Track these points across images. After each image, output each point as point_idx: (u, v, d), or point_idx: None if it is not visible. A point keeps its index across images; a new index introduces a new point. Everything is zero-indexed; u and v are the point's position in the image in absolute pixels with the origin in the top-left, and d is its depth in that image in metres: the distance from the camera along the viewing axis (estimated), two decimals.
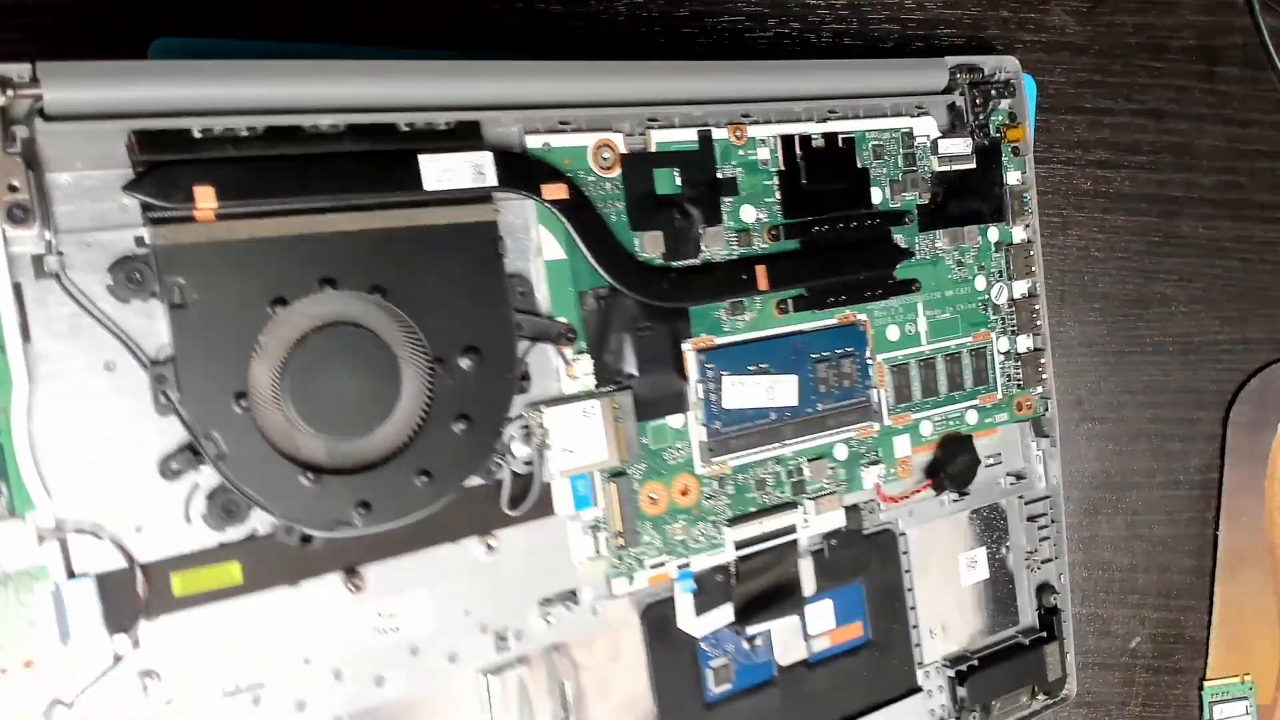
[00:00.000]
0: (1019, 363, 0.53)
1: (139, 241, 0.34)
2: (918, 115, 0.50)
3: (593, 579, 0.42)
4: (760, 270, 0.45)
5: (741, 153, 0.45)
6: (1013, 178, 0.52)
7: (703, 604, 0.44)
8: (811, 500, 0.47)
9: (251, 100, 0.35)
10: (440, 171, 0.38)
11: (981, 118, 0.51)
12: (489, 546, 0.39)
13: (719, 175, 0.44)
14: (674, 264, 0.43)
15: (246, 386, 0.34)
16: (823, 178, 0.47)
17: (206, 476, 0.34)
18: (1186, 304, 0.60)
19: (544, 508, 0.41)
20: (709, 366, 0.44)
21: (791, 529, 0.46)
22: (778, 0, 0.50)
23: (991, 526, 0.52)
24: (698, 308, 0.44)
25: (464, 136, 0.39)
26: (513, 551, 0.40)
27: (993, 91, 0.51)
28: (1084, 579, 0.60)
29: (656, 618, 0.43)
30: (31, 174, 0.32)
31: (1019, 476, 0.53)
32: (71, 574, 0.32)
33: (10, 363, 0.31)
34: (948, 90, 0.50)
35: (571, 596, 0.41)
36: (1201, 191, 0.60)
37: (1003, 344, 0.52)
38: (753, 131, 0.45)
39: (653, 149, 0.43)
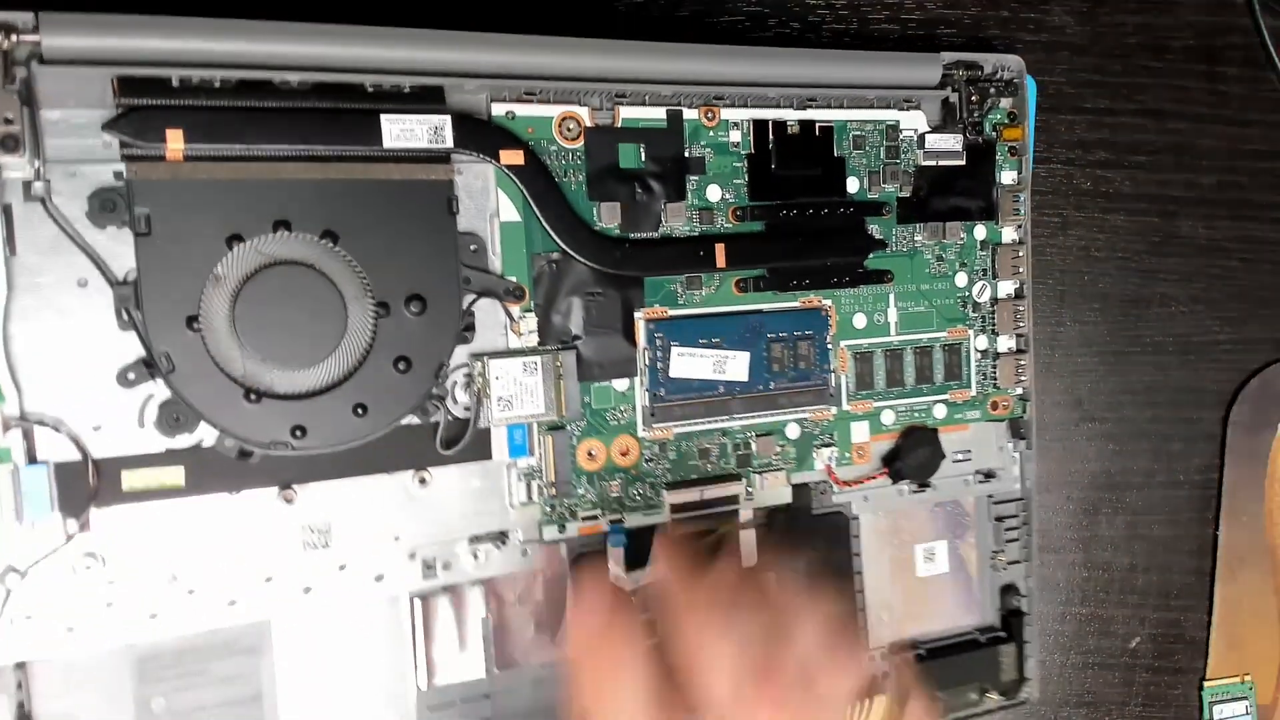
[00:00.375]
0: (996, 362, 0.53)
1: (117, 175, 0.38)
2: (906, 109, 0.50)
3: (524, 523, 0.44)
4: (720, 248, 0.47)
5: (712, 134, 0.47)
6: (1008, 177, 0.52)
7: (635, 560, 0.46)
8: (757, 474, 0.48)
9: (227, 55, 0.39)
10: (400, 131, 0.41)
11: (976, 115, 0.51)
12: (422, 481, 0.43)
13: (686, 154, 0.46)
14: (630, 235, 0.46)
15: (199, 312, 0.39)
16: (794, 163, 0.48)
17: (160, 388, 0.39)
18: (1186, 304, 0.59)
19: (482, 451, 0.44)
20: (658, 336, 0.46)
21: (734, 499, 0.48)
22: (778, 0, 0.52)
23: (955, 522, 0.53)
24: (653, 279, 0.46)
25: (427, 100, 0.42)
26: (447, 488, 0.43)
27: (991, 89, 0.51)
28: (1084, 579, 0.60)
29: (587, 566, 0.46)
30: (26, 110, 0.37)
31: (989, 475, 0.53)
32: (32, 460, 0.37)
33: None
34: (942, 86, 0.50)
35: (502, 537, 0.44)
36: (1201, 191, 0.59)
37: (981, 342, 0.52)
38: (726, 114, 0.47)
39: (619, 124, 0.45)
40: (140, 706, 0.39)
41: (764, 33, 0.51)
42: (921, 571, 0.52)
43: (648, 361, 0.46)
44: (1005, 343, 0.53)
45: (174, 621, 0.39)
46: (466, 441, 0.43)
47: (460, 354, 0.43)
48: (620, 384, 0.46)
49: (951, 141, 0.51)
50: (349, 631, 0.42)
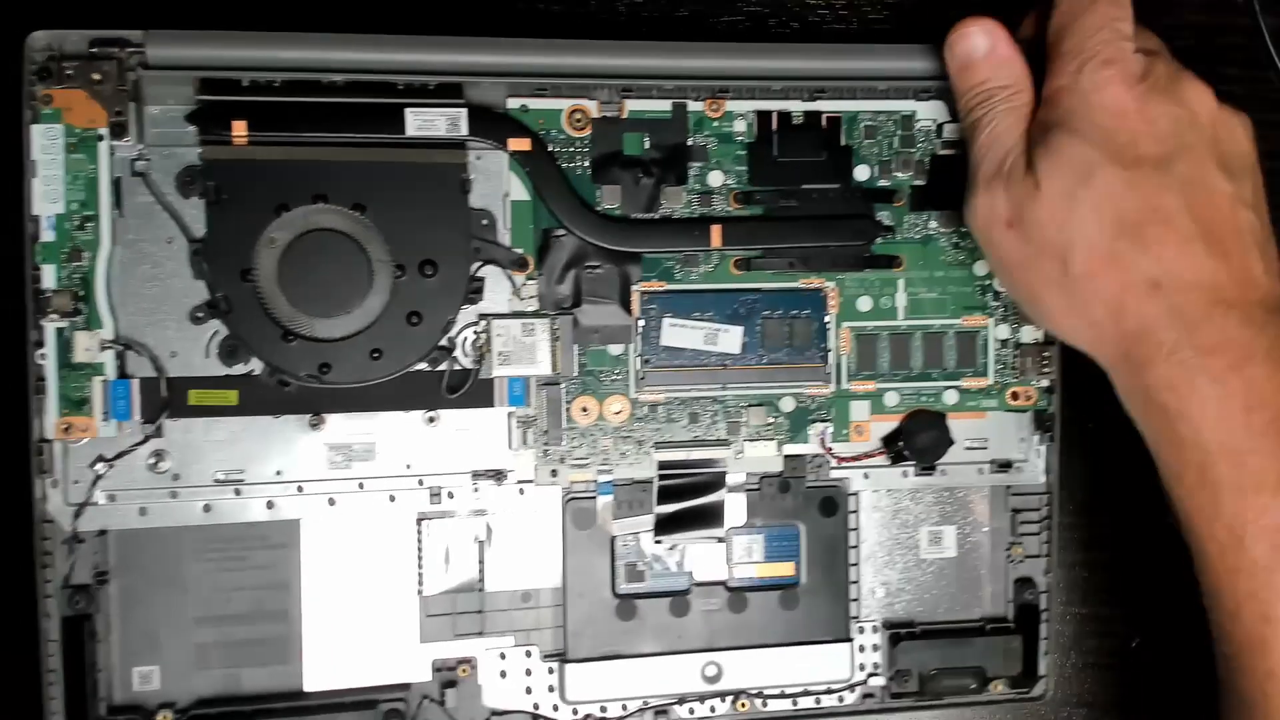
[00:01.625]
0: (1018, 352, 0.52)
1: (200, 156, 0.48)
2: (924, 99, 0.51)
3: (520, 466, 0.50)
4: (715, 229, 0.50)
5: (716, 124, 0.51)
6: None
7: (622, 510, 0.51)
8: (748, 442, 0.51)
9: (286, 60, 0.47)
10: (421, 121, 0.48)
11: None
12: (431, 420, 0.50)
13: (689, 143, 0.50)
14: (630, 215, 0.50)
15: (252, 266, 0.48)
16: (798, 152, 0.51)
17: (221, 326, 0.48)
18: None
19: (485, 399, 0.50)
20: (651, 307, 0.50)
21: (721, 462, 0.51)
22: (778, 0, 0.54)
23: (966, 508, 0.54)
24: (652, 255, 0.51)
25: (447, 95, 0.49)
26: (453, 428, 0.50)
27: None
28: (1084, 579, 0.59)
29: (577, 509, 0.51)
30: (133, 105, 0.47)
31: (1006, 465, 0.53)
32: (122, 375, 0.48)
33: (103, 228, 0.47)
34: None
35: (499, 475, 0.50)
36: None
37: (1002, 331, 0.52)
38: (731, 105, 0.51)
39: (625, 115, 0.50)
40: (193, 580, 0.49)
41: (763, 33, 0.54)
42: (926, 554, 0.53)
43: (640, 329, 0.51)
44: (1030, 333, 0.53)
45: (223, 514, 0.49)
46: (468, 389, 0.50)
47: (469, 313, 0.50)
48: (615, 349, 0.51)
49: None
50: (366, 539, 0.50)
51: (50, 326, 0.47)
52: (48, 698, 0.47)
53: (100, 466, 0.48)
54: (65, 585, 0.47)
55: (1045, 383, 0.53)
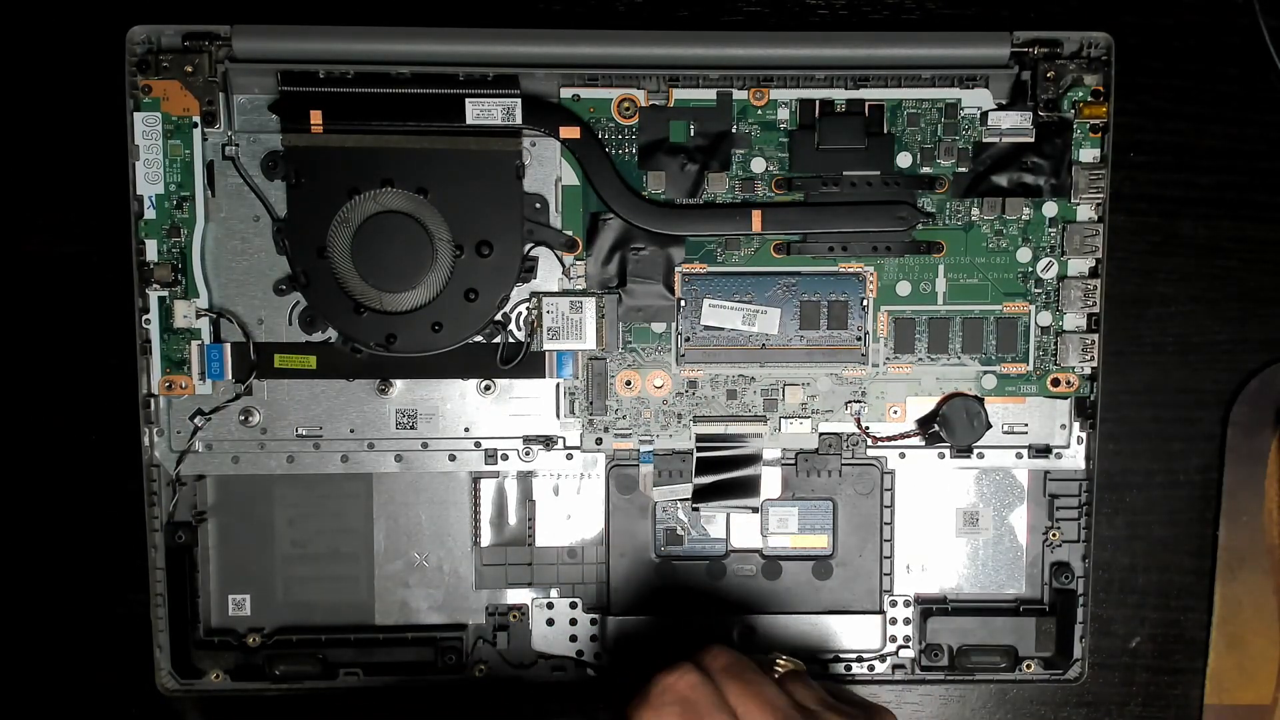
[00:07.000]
0: (1058, 339, 0.52)
1: (281, 143, 0.53)
2: (970, 87, 0.51)
3: (567, 433, 0.54)
4: (756, 214, 0.52)
5: (760, 112, 0.52)
6: (1087, 154, 0.51)
7: (662, 478, 0.54)
8: (784, 419, 0.53)
9: (359, 54, 0.51)
10: (480, 111, 0.52)
11: (1052, 93, 0.51)
12: (487, 388, 0.54)
13: (733, 130, 0.52)
14: (674, 200, 0.52)
15: (326, 244, 0.52)
16: (840, 139, 0.52)
17: (300, 298, 0.53)
18: (1186, 304, 0.57)
19: (536, 370, 0.54)
20: (693, 288, 0.53)
21: (758, 437, 0.53)
22: (777, 1, 0.55)
23: (1004, 491, 0.54)
24: (694, 239, 0.53)
25: (504, 86, 0.52)
26: (507, 396, 0.54)
27: (1071, 66, 0.51)
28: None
29: (620, 476, 0.54)
30: (222, 94, 0.52)
31: (1045, 450, 0.53)
32: (215, 339, 0.54)
33: (198, 207, 0.53)
34: (1012, 63, 0.51)
35: (548, 441, 0.54)
36: (1201, 191, 0.56)
37: (1044, 318, 0.52)
38: (775, 94, 0.52)
39: (672, 104, 0.52)
40: (279, 522, 0.55)
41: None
42: (961, 534, 0.54)
43: (682, 309, 0.53)
44: (1073, 320, 0.53)
45: (304, 465, 0.54)
46: (520, 360, 0.53)
47: (522, 290, 0.53)
48: (658, 327, 0.53)
49: (1019, 119, 0.51)
50: (429, 493, 0.55)
51: (153, 295, 0.53)
52: (155, 619, 0.54)
53: (198, 419, 0.54)
54: (169, 522, 0.54)
55: (1087, 370, 0.53)
